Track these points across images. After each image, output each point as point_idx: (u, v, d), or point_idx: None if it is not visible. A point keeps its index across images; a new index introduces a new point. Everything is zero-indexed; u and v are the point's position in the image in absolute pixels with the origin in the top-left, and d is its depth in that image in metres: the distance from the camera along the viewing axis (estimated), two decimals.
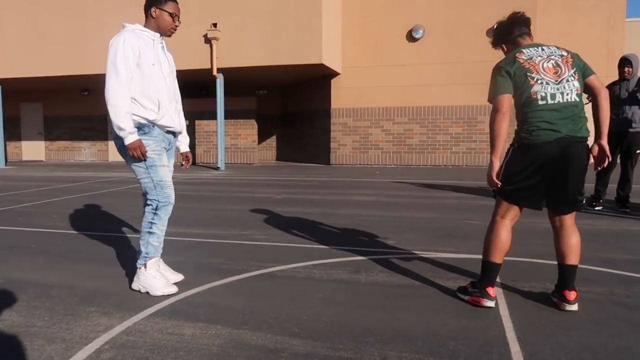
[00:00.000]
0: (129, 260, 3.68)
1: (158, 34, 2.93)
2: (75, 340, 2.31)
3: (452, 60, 12.93)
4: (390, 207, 6.28)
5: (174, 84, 3.07)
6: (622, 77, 5.81)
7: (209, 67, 12.55)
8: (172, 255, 3.78)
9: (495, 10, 12.58)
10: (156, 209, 2.89)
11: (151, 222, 2.91)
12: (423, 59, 13.14)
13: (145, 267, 2.93)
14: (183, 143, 3.24)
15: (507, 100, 2.58)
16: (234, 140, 15.01)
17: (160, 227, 2.93)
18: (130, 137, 2.75)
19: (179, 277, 3.17)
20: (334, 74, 13.62)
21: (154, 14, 2.89)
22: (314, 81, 14.50)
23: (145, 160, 2.83)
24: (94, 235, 4.62)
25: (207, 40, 12.51)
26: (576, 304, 2.61)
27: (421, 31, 12.98)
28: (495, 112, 2.58)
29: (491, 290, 2.68)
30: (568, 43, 15.44)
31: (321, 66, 12.35)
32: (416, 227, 4.97)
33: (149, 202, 2.91)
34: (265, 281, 3.19)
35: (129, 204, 6.60)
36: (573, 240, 2.64)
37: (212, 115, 14.37)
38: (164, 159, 2.92)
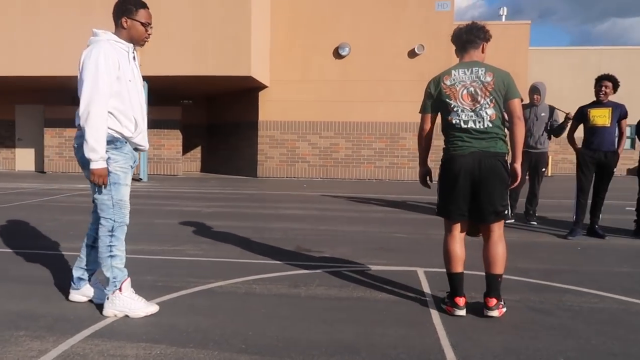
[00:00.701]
0: (56, 278, 3.48)
1: (131, 45, 2.79)
2: None
3: (376, 78, 13.47)
4: (321, 221, 6.42)
5: (143, 98, 2.96)
6: (532, 103, 6.43)
7: None
8: (102, 274, 3.62)
9: (416, 33, 13.32)
10: (112, 230, 2.76)
11: (110, 246, 2.76)
12: (348, 76, 13.57)
13: (120, 291, 2.76)
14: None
15: (426, 119, 3.02)
16: (157, 151, 14.52)
17: (121, 248, 2.79)
18: (100, 163, 2.62)
19: (155, 308, 2.97)
20: (262, 86, 13.67)
21: (125, 24, 2.74)
22: (242, 93, 14.45)
23: (104, 187, 2.70)
24: (14, 253, 4.30)
25: None
26: (496, 311, 2.85)
27: (347, 49, 13.42)
28: (419, 127, 3.08)
29: (460, 300, 2.88)
30: None
31: (249, 78, 12.36)
32: (348, 240, 5.14)
33: (103, 222, 2.76)
34: (205, 298, 3.16)
35: (47, 218, 6.19)
36: (498, 250, 2.89)
37: None
38: (129, 177, 2.82)
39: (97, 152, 2.59)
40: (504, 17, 18.26)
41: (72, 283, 3.00)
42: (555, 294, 3.34)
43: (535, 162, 6.43)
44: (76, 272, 2.98)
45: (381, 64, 13.45)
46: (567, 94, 17.86)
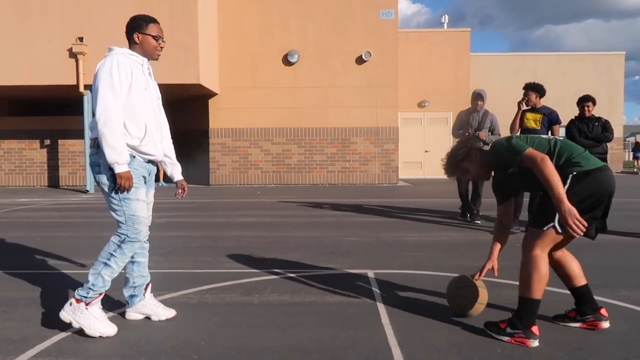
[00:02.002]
0: None
1: (145, 59, 2.86)
2: None
3: (326, 85, 13.66)
4: (274, 227, 6.47)
5: (162, 111, 2.99)
6: (475, 109, 6.73)
7: (75, 83, 11.73)
8: (52, 290, 3.53)
9: (362, 40, 13.62)
10: (122, 242, 2.71)
11: (111, 254, 2.70)
12: (299, 83, 13.69)
13: (87, 305, 2.66)
14: (176, 172, 3.12)
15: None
16: None
17: (119, 263, 2.73)
18: (124, 167, 2.62)
19: (172, 312, 3.01)
20: (212, 94, 13.56)
21: (137, 40, 2.82)
22: (191, 101, 14.27)
23: (129, 191, 2.68)
24: None
25: (73, 55, 11.70)
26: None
27: (296, 56, 13.54)
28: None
29: (535, 329, 2.57)
30: (426, 72, 17.25)
31: (198, 86, 12.24)
32: (301, 246, 5.22)
33: (118, 231, 2.74)
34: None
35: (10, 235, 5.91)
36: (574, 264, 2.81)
37: (78, 134, 13.34)
38: (140, 192, 2.76)
39: (120, 154, 2.60)
40: (445, 24, 18.95)
41: (126, 303, 2.99)
42: (494, 289, 3.54)
43: None
44: (127, 292, 2.95)
45: (330, 70, 13.66)
46: (506, 97, 18.75)
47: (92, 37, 11.60)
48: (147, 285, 2.99)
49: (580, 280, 2.80)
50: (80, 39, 11.66)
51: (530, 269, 2.58)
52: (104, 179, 2.71)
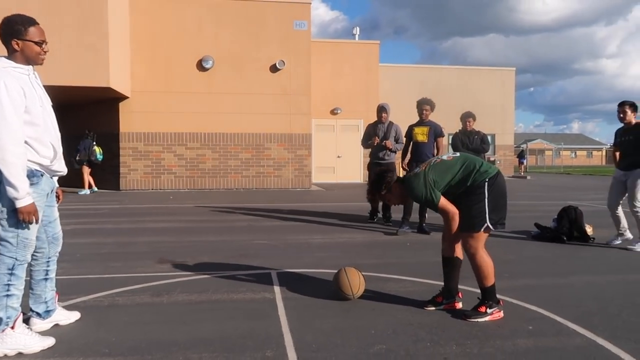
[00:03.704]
0: None
1: (30, 67, 2.68)
2: None
3: (240, 91, 13.93)
4: (186, 233, 6.68)
5: (55, 120, 2.81)
6: (380, 121, 7.35)
7: None
8: None
9: (276, 48, 14.06)
10: (12, 268, 2.62)
11: (8, 284, 2.61)
12: (213, 88, 13.83)
13: (12, 328, 2.63)
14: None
15: None
16: None
17: (19, 287, 2.67)
18: (26, 200, 2.51)
19: (77, 315, 3.14)
20: (123, 97, 13.30)
21: (16, 47, 2.61)
22: (100, 103, 13.87)
23: (36, 222, 2.63)
24: None
25: None
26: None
27: (211, 62, 13.67)
28: None
29: (501, 302, 3.29)
30: (339, 81, 18.05)
31: (108, 89, 11.99)
32: (211, 250, 5.51)
33: (3, 258, 2.61)
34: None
35: None
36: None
37: None
38: (40, 215, 2.71)
39: (20, 190, 2.49)
40: (357, 36, 19.93)
41: (37, 316, 3.00)
42: (380, 283, 4.10)
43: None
44: (39, 308, 2.99)
45: (245, 77, 13.94)
46: (413, 106, 20.08)
47: None
48: (55, 296, 3.10)
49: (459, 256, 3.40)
50: None
51: (480, 264, 3.22)
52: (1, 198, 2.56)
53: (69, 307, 3.42)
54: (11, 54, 2.63)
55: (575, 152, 68.90)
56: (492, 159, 22.26)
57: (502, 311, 3.27)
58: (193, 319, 3.23)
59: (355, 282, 3.57)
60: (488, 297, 3.26)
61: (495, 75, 23.53)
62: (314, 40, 16.03)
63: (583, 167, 45.43)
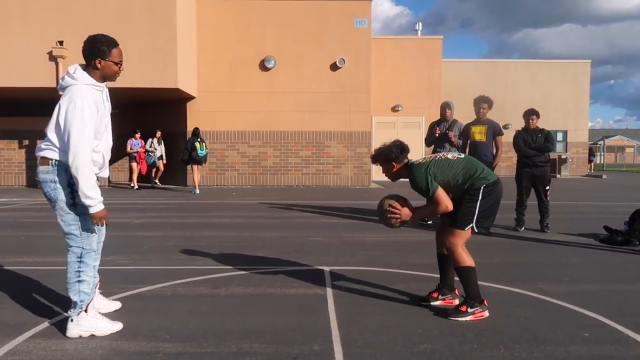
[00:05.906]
0: None
1: (104, 84, 2.95)
2: None
3: (301, 90, 14.17)
4: (245, 228, 6.95)
5: (110, 130, 3.06)
6: (444, 118, 7.24)
7: (54, 85, 11.99)
8: (40, 284, 3.96)
9: (337, 47, 14.16)
10: (81, 256, 2.91)
11: (79, 271, 2.90)
12: (275, 87, 14.17)
13: (85, 312, 2.91)
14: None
15: None
16: None
17: (89, 274, 2.94)
18: (98, 207, 2.81)
19: (117, 305, 3.38)
20: (190, 97, 13.94)
21: (98, 66, 2.85)
22: (170, 103, 14.62)
23: (104, 225, 2.92)
24: None
25: (52, 58, 11.99)
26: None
27: (273, 61, 14.01)
28: None
29: (485, 302, 3.25)
30: (400, 78, 17.87)
31: (177, 90, 12.62)
32: (268, 245, 5.71)
33: (72, 248, 2.92)
34: (135, 301, 3.61)
35: None
36: None
37: None
38: None
39: (94, 199, 2.78)
40: (419, 32, 19.61)
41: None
42: (432, 283, 4.08)
43: None
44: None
45: (305, 76, 14.17)
46: None
47: (72, 40, 11.88)
48: (97, 284, 3.24)
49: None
50: (60, 43, 11.94)
51: (459, 260, 3.25)
52: (61, 196, 2.83)
53: (135, 296, 3.72)
54: (91, 72, 2.87)
55: None
56: (563, 157, 21.18)
57: (486, 311, 3.23)
58: (247, 311, 3.39)
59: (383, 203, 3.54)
60: (469, 292, 3.25)
61: (569, 68, 22.29)
62: (375, 37, 16.01)
63: None
